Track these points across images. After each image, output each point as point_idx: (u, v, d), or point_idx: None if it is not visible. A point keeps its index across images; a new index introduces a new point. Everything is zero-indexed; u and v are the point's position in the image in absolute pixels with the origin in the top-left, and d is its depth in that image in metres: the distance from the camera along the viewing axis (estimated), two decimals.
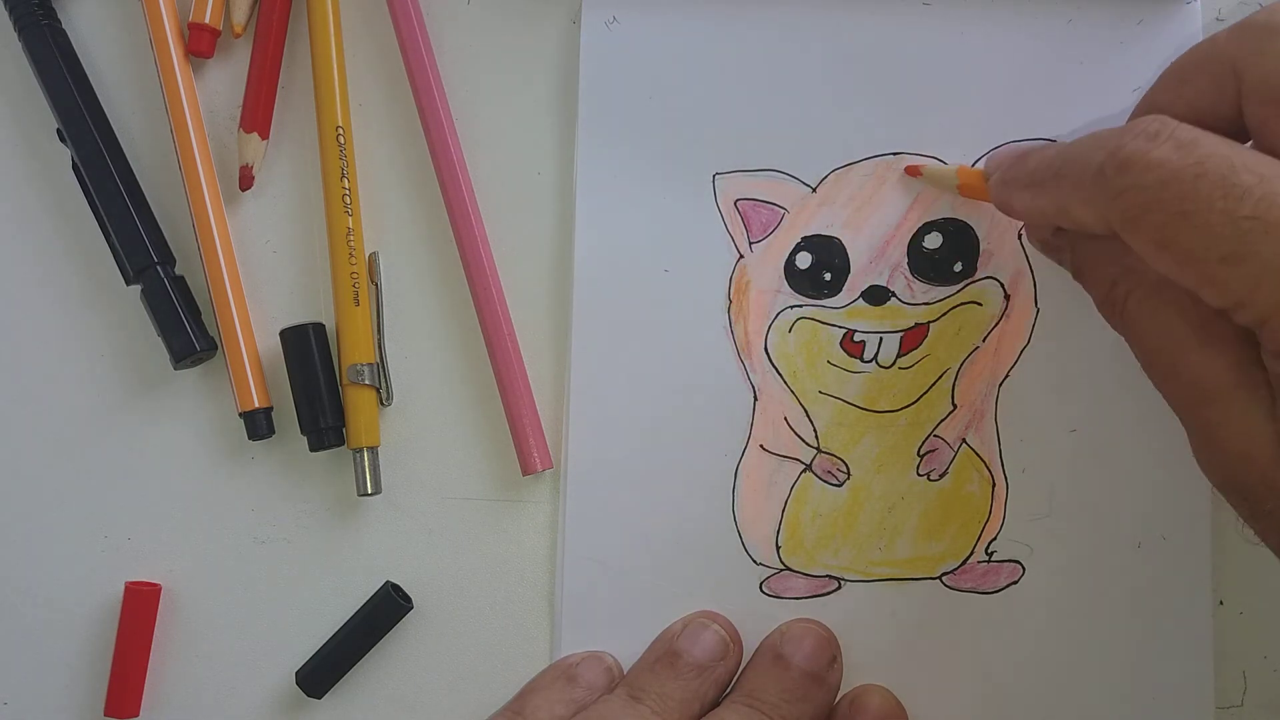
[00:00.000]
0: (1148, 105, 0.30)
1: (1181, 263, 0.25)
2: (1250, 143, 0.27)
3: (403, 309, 0.37)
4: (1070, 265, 0.31)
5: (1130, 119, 0.30)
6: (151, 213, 0.37)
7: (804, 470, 0.36)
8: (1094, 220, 0.27)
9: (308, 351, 0.36)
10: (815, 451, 0.36)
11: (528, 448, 0.36)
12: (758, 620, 0.36)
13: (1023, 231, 0.36)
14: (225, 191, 0.38)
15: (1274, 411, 0.25)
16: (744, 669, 0.36)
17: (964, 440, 0.36)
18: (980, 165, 0.35)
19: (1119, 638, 0.36)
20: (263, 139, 0.37)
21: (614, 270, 0.36)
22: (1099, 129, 0.28)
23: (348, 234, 0.36)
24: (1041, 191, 0.29)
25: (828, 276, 0.36)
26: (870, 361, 0.36)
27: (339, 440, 0.36)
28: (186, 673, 0.37)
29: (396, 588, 0.37)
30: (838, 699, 0.36)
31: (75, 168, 0.37)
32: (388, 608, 0.36)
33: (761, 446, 0.36)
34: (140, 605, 0.37)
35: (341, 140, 0.36)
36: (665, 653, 0.35)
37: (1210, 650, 0.35)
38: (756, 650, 0.36)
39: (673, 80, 0.37)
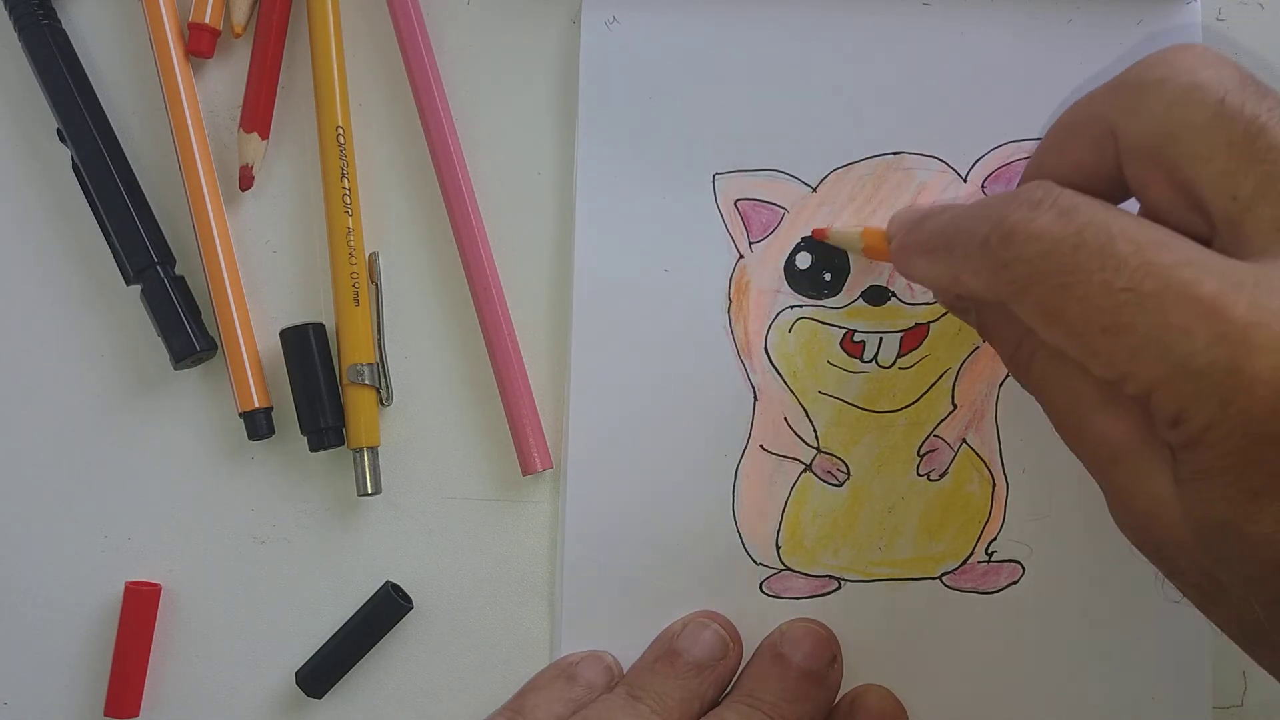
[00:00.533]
0: (1036, 166, 0.29)
1: (1066, 334, 0.25)
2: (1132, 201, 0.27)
3: (403, 309, 0.37)
4: (975, 326, 0.31)
5: (1020, 181, 0.30)
6: (151, 213, 0.37)
7: (804, 470, 0.36)
8: (984, 291, 0.26)
9: (308, 351, 0.36)
10: (815, 451, 0.36)
11: (528, 448, 0.36)
12: (758, 620, 0.36)
13: None
14: (225, 191, 0.38)
15: (1175, 474, 0.25)
16: (744, 669, 0.36)
17: (964, 440, 0.36)
18: (883, 225, 0.35)
19: (1118, 637, 0.36)
20: (263, 139, 0.37)
21: (614, 270, 0.36)
22: (990, 196, 0.28)
23: (348, 234, 0.36)
24: (935, 260, 0.29)
25: (828, 276, 0.36)
26: (870, 361, 0.36)
27: (339, 440, 0.36)
28: (186, 673, 0.37)
29: (396, 588, 0.37)
30: (837, 699, 0.36)
31: (75, 168, 0.37)
32: (388, 608, 0.36)
33: (761, 446, 0.36)
34: (140, 605, 0.37)
35: (341, 140, 0.36)
36: (665, 652, 0.35)
37: (1208, 650, 0.35)
38: (756, 650, 0.36)
39: (673, 80, 0.37)
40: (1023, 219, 0.25)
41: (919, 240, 0.30)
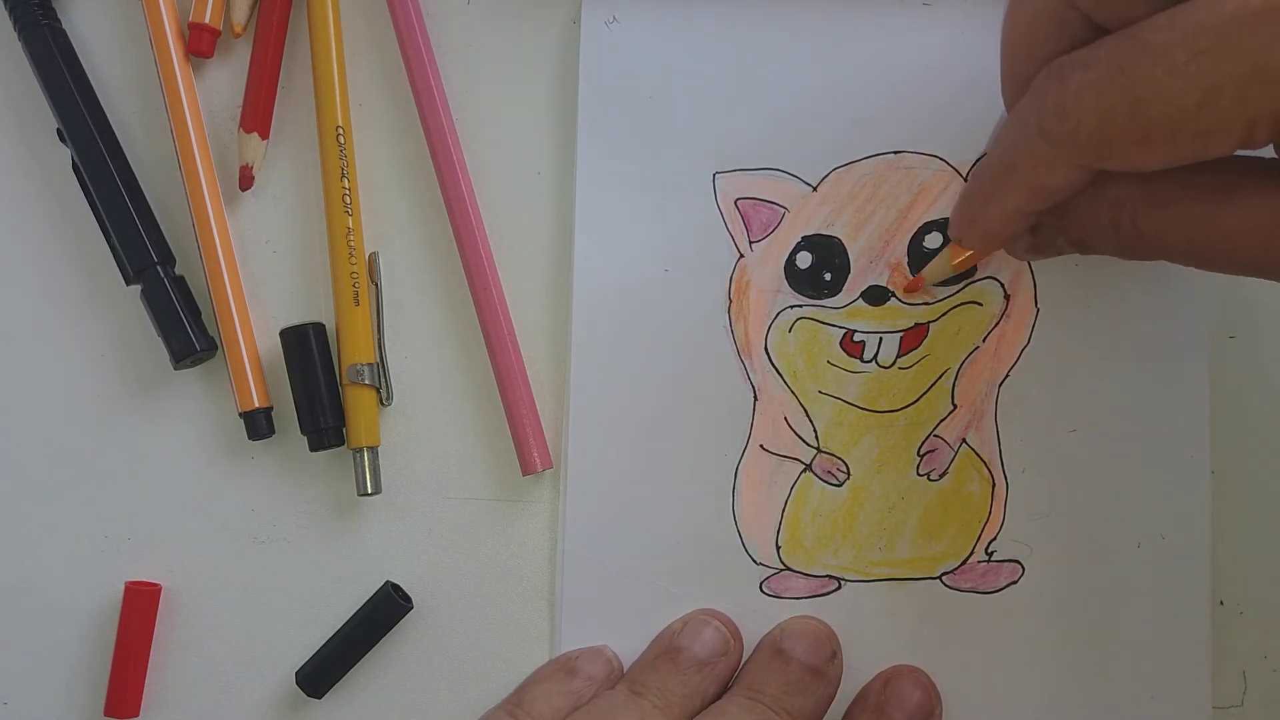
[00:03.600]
0: (1009, 79, 0.30)
1: (1171, 136, 0.24)
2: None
3: (403, 309, 0.37)
4: (1071, 243, 0.31)
5: (1004, 98, 0.30)
6: (151, 213, 0.37)
7: (804, 470, 0.36)
8: (1069, 174, 0.27)
9: (308, 351, 0.36)
10: (815, 451, 0.36)
11: (528, 448, 0.36)
12: (758, 620, 0.36)
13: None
14: (225, 191, 0.38)
15: None
16: (744, 664, 0.36)
17: (964, 440, 0.36)
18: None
19: (1118, 637, 0.36)
20: (263, 139, 0.37)
21: (614, 270, 0.36)
22: (1009, 116, 0.29)
23: (348, 234, 0.36)
24: (1003, 193, 0.29)
25: (828, 276, 0.36)
26: (870, 361, 0.36)
27: (339, 440, 0.36)
28: (186, 673, 0.37)
29: (396, 588, 0.37)
30: (870, 679, 0.36)
31: (75, 168, 0.37)
32: (388, 608, 0.36)
33: (761, 446, 0.36)
34: (140, 605, 0.37)
35: (341, 140, 0.36)
36: (666, 649, 0.35)
37: (1208, 650, 0.35)
38: (757, 646, 0.36)
39: (673, 80, 0.37)
40: (1059, 90, 0.26)
41: (977, 194, 0.30)
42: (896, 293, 0.36)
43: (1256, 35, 0.23)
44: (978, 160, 0.36)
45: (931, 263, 0.35)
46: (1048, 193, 0.28)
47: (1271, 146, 0.25)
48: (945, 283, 0.36)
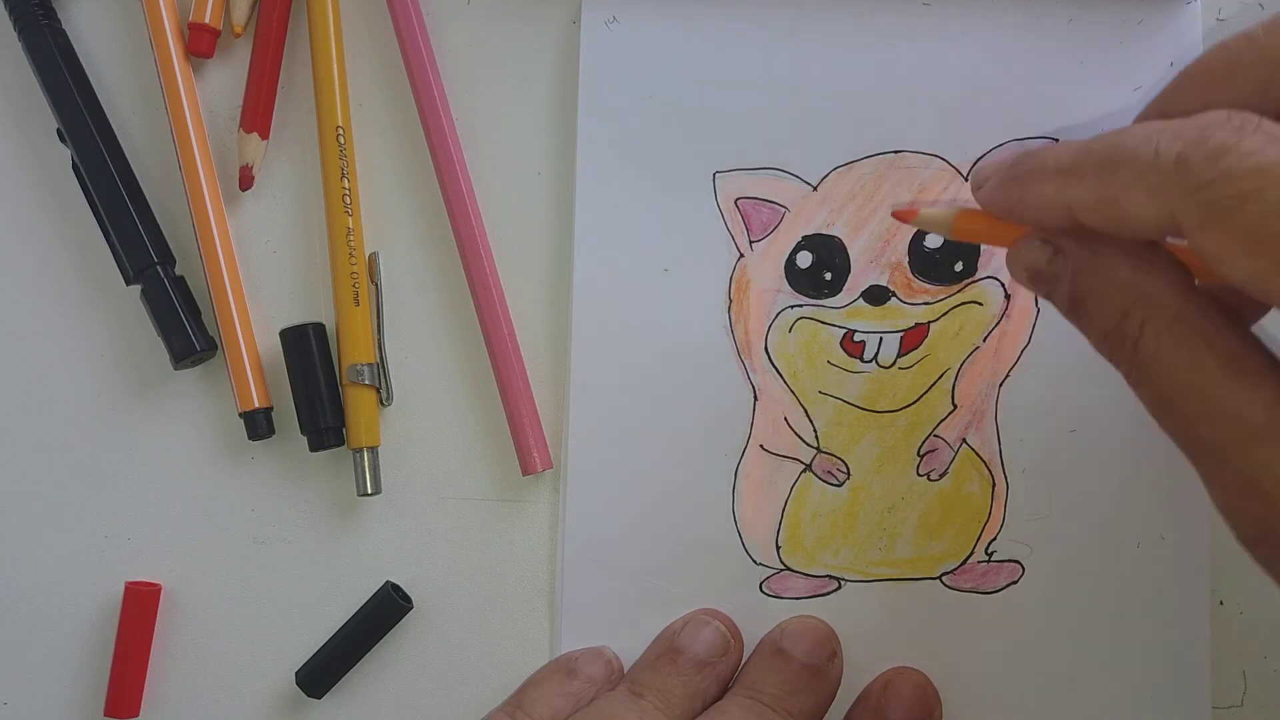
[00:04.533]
0: (1160, 109, 0.27)
1: (1273, 264, 0.22)
2: None
3: (403, 309, 0.37)
4: (1068, 294, 0.27)
5: (1138, 122, 0.28)
6: (151, 213, 0.37)
7: (804, 470, 0.36)
8: (1154, 215, 0.24)
9: (308, 351, 0.36)
10: (815, 451, 0.36)
11: (528, 448, 0.36)
12: (758, 620, 0.36)
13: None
14: (225, 191, 0.38)
15: None
16: (745, 664, 0.36)
17: (964, 440, 0.36)
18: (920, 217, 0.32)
19: (1118, 638, 0.36)
20: (263, 139, 0.37)
21: (614, 270, 0.36)
22: (1140, 124, 0.25)
23: (348, 234, 0.36)
24: (1078, 181, 0.25)
25: (828, 276, 0.36)
26: (870, 361, 0.36)
27: (339, 440, 0.36)
28: (186, 673, 0.37)
29: (396, 588, 0.37)
30: (870, 681, 0.36)
31: (75, 168, 0.37)
32: (388, 608, 0.36)
33: (761, 446, 0.36)
34: (140, 605, 0.37)
35: (341, 140, 0.36)
36: (666, 649, 0.35)
37: (1208, 650, 0.35)
38: (757, 646, 0.36)
39: (673, 80, 0.37)
40: (1231, 138, 0.22)
41: (1049, 163, 0.26)
42: (897, 292, 0.36)
43: None
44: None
45: (935, 210, 0.31)
46: (1118, 215, 0.25)
47: None
48: (943, 282, 0.36)
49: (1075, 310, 0.27)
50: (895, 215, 0.32)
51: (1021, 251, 0.28)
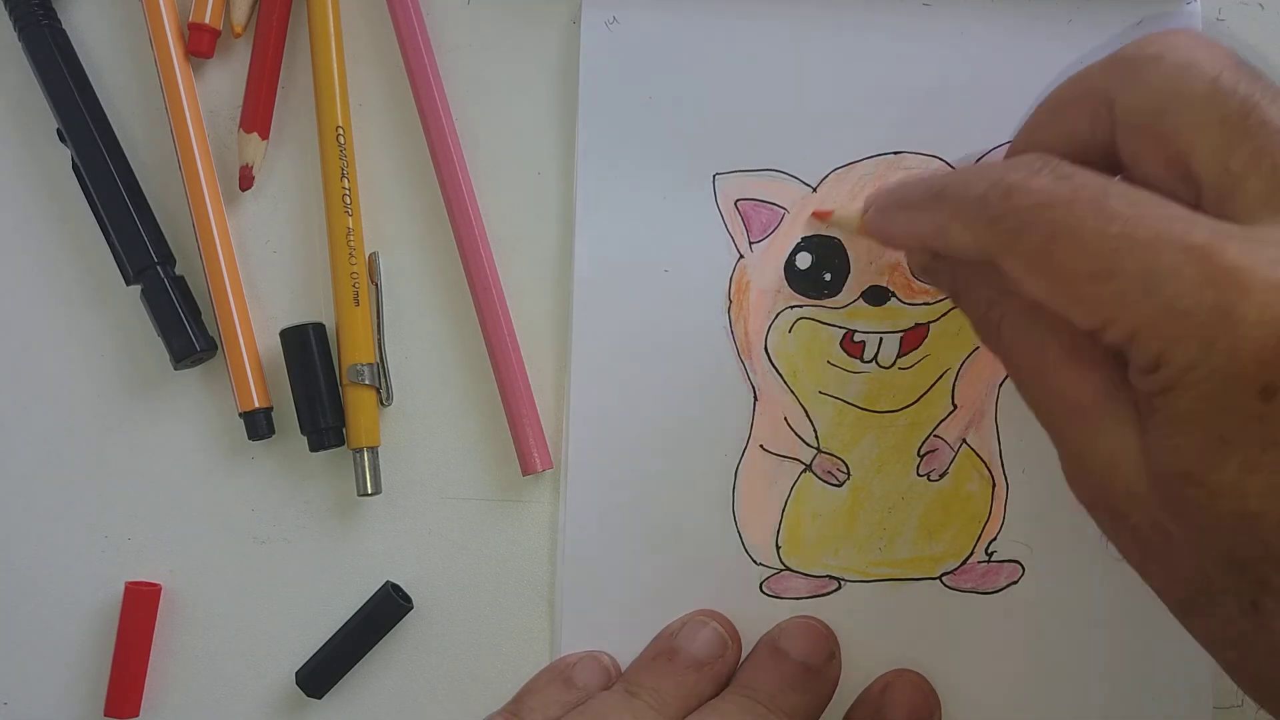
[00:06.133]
0: (1026, 137, 0.31)
1: (1053, 283, 0.25)
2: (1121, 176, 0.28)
3: (403, 309, 0.37)
4: (948, 289, 0.32)
5: (1009, 152, 0.31)
6: (151, 213, 0.37)
7: (804, 470, 0.36)
8: (971, 243, 0.27)
9: (308, 351, 0.36)
10: (815, 451, 0.36)
11: (528, 448, 0.36)
12: (757, 620, 0.36)
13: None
14: (225, 191, 0.38)
15: (1139, 426, 0.26)
16: (742, 663, 0.36)
17: (964, 440, 0.36)
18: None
19: (1118, 637, 0.36)
20: (263, 139, 0.37)
21: (614, 270, 0.36)
22: (972, 164, 0.29)
23: (348, 234, 0.36)
24: (920, 214, 0.29)
25: (828, 276, 0.36)
26: (870, 362, 0.36)
27: (339, 440, 0.36)
28: (186, 673, 0.37)
29: (396, 588, 0.37)
30: (869, 683, 0.36)
31: (75, 168, 0.37)
32: (388, 608, 0.36)
33: (761, 446, 0.36)
34: (140, 605, 0.37)
35: (341, 140, 0.36)
36: (663, 649, 0.35)
37: None
38: (755, 646, 0.36)
39: (673, 80, 0.37)
40: (1022, 177, 0.26)
41: (903, 197, 0.31)
42: (897, 293, 0.36)
43: (1161, 269, 0.24)
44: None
45: (846, 213, 0.35)
46: (949, 244, 0.28)
47: (1131, 374, 0.25)
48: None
49: (956, 302, 0.32)
50: (814, 214, 0.36)
51: (911, 254, 0.33)
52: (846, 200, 0.36)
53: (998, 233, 0.26)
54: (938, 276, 0.32)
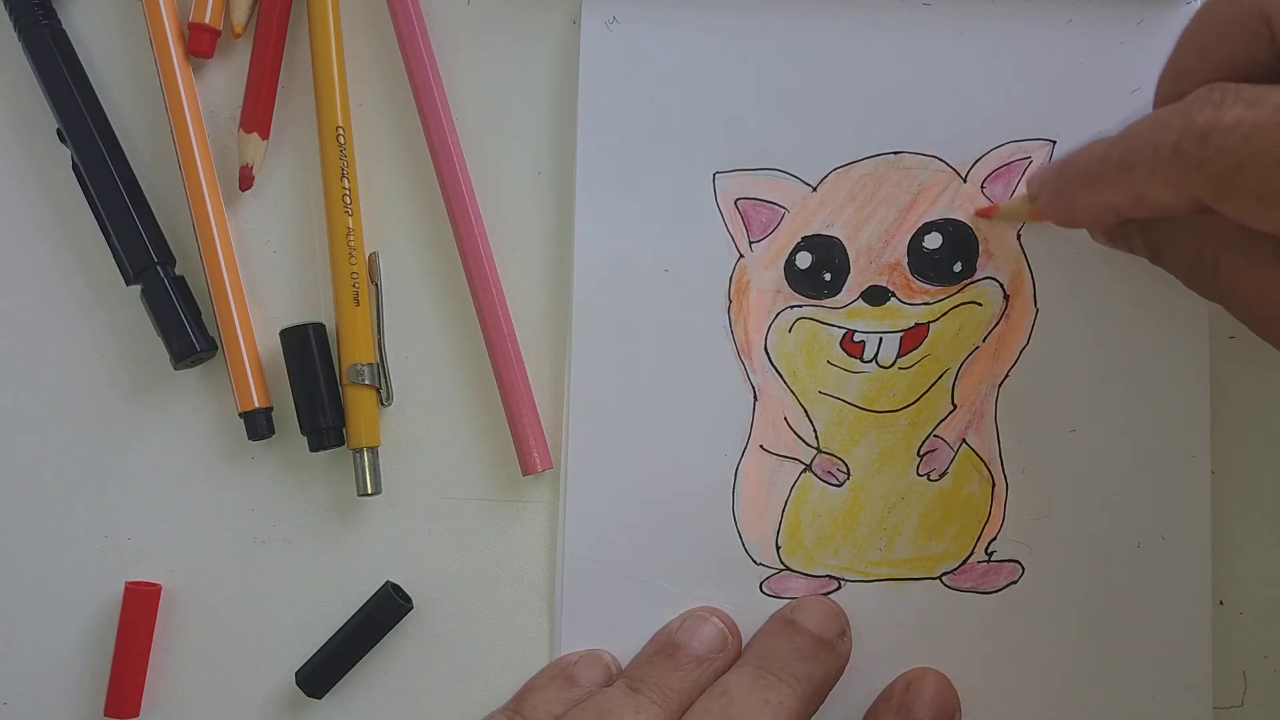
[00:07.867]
0: (1173, 72, 0.30)
1: None
2: None
3: (403, 309, 0.37)
4: (1145, 249, 0.31)
5: (1158, 89, 0.30)
6: (151, 213, 0.37)
7: (804, 470, 0.36)
8: (1177, 198, 0.26)
9: (308, 351, 0.36)
10: (815, 451, 0.36)
11: (528, 448, 0.36)
12: (758, 620, 0.36)
13: (1021, 233, 0.36)
14: (225, 191, 0.38)
15: None
16: (753, 637, 0.35)
17: (964, 440, 0.36)
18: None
19: (1118, 638, 0.36)
20: (263, 139, 0.37)
21: (614, 270, 0.36)
22: (1145, 116, 0.28)
23: (348, 234, 0.36)
24: (1107, 187, 0.29)
25: (828, 276, 0.36)
26: (870, 361, 0.36)
27: (339, 440, 0.36)
28: (186, 673, 0.37)
29: (396, 588, 0.37)
30: (891, 681, 0.36)
31: (75, 168, 0.37)
32: (388, 608, 0.36)
33: (761, 446, 0.36)
34: (140, 605, 0.37)
35: (341, 140, 0.36)
36: (664, 645, 0.35)
37: (1209, 650, 0.35)
38: (767, 620, 0.36)
39: (673, 80, 0.37)
40: (1212, 116, 0.25)
41: (1081, 173, 0.30)
42: (896, 293, 0.36)
43: None
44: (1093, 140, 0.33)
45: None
46: (1151, 206, 0.28)
47: None
48: (943, 283, 0.36)
49: (1156, 259, 0.31)
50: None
51: (1096, 225, 0.32)
52: (845, 200, 0.36)
53: (1208, 177, 0.25)
54: (1129, 241, 0.31)
